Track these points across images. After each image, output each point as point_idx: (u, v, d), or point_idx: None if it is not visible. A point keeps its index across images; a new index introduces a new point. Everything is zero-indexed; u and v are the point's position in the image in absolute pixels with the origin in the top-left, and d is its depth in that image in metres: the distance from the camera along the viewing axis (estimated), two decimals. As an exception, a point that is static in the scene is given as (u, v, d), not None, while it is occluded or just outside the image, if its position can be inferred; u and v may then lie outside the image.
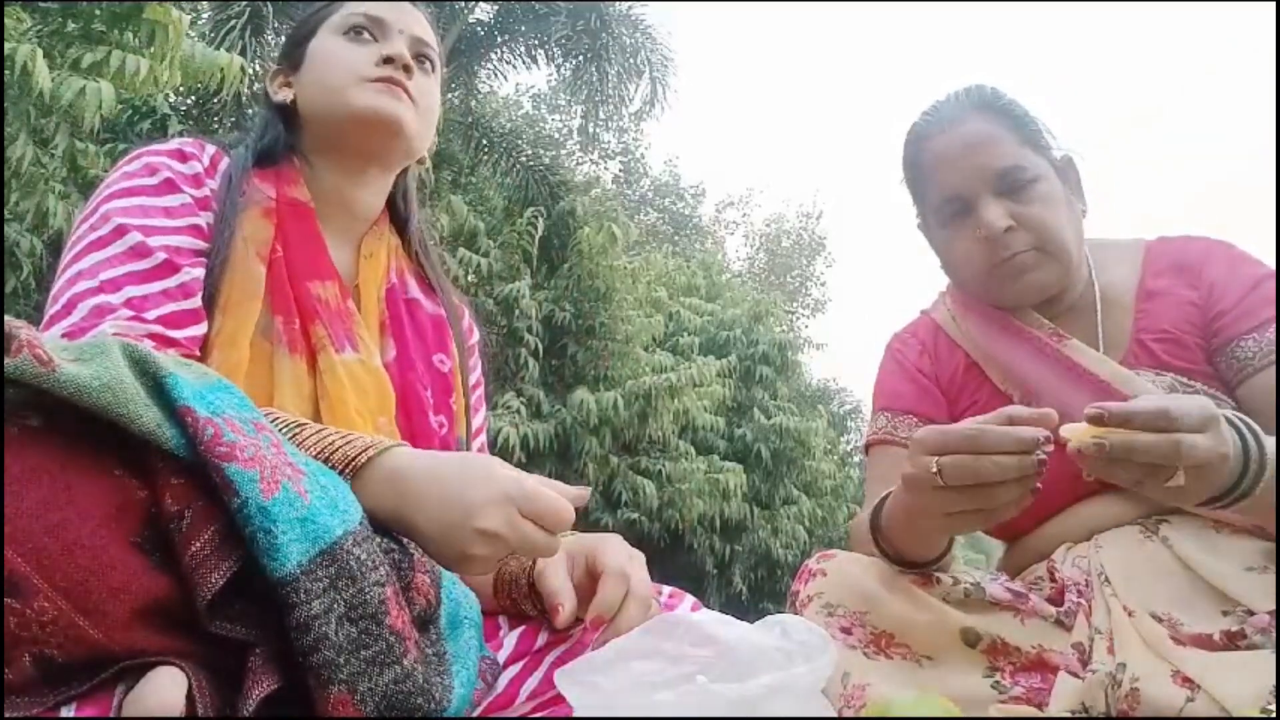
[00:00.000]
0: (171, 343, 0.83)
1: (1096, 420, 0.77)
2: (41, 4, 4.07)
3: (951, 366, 1.23)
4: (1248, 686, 0.78)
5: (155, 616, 0.51)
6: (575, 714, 0.66)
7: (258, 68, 6.85)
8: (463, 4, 9.20)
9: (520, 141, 9.19)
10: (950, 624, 0.95)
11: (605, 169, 17.20)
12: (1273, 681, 0.77)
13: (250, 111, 6.97)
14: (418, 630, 0.63)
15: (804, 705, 0.64)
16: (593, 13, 9.31)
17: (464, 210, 7.88)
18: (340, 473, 0.68)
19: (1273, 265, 1.10)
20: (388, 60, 1.02)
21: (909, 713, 0.72)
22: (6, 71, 3.42)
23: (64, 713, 0.49)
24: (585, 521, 7.42)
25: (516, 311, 7.79)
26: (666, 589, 0.95)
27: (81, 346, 0.55)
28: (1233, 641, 0.85)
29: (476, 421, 1.16)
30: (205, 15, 7.22)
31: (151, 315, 0.84)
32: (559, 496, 0.71)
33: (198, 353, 0.87)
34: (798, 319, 19.22)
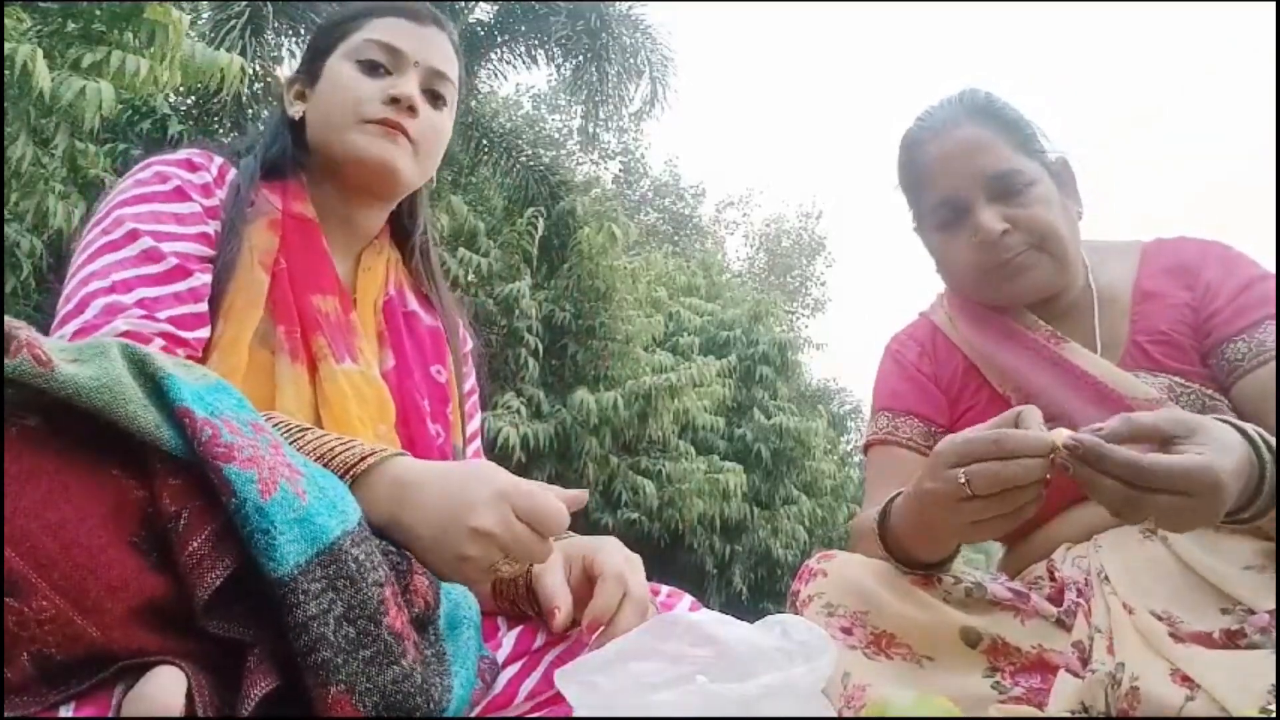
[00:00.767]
0: (181, 343, 0.85)
1: (1073, 452, 0.77)
2: (41, 4, 4.07)
3: (950, 368, 1.23)
4: (1248, 686, 0.78)
5: (153, 615, 0.51)
6: (575, 714, 0.66)
7: (258, 68, 6.85)
8: (463, 4, 9.19)
9: (520, 141, 9.18)
10: (950, 624, 0.95)
11: (605, 169, 17.21)
12: (1273, 681, 0.77)
13: (250, 112, 6.98)
14: (416, 631, 0.63)
15: (804, 705, 0.64)
16: (593, 13, 9.30)
17: (464, 210, 7.88)
18: (339, 478, 0.68)
19: (1272, 265, 1.11)
20: (394, 100, 1.01)
21: (909, 713, 0.71)
22: (6, 71, 3.42)
23: (63, 712, 0.49)
24: (585, 521, 7.42)
25: (516, 311, 7.79)
26: (665, 588, 0.95)
27: (80, 347, 0.55)
28: (1233, 641, 0.85)
29: (472, 426, 1.17)
30: (205, 15, 7.22)
31: (163, 315, 0.85)
32: (555, 499, 0.70)
33: (201, 355, 0.88)
34: (798, 319, 19.22)
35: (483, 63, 9.66)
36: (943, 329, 1.26)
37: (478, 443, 1.19)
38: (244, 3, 7.00)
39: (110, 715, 0.49)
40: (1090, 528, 1.04)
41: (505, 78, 10.72)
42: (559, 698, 0.75)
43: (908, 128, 1.22)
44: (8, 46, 3.41)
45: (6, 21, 3.59)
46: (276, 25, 7.30)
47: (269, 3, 7.12)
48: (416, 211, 1.18)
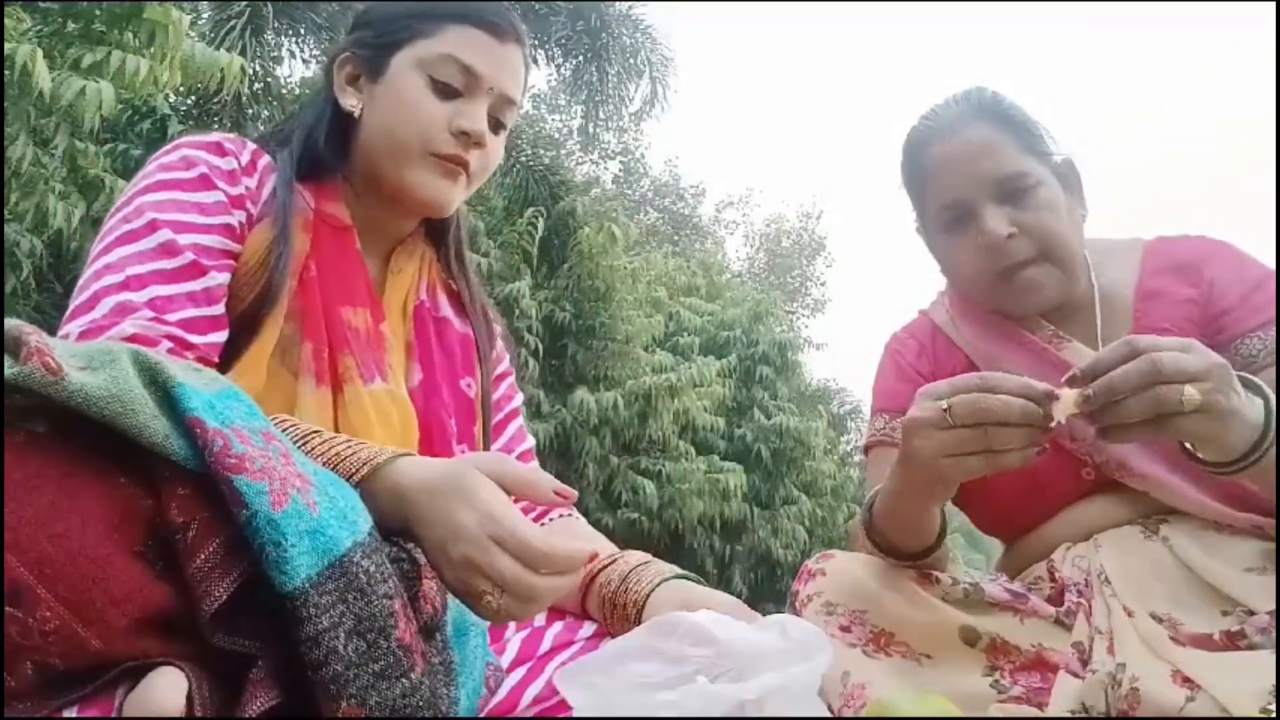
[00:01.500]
0: (189, 346, 0.82)
1: (1073, 382, 0.80)
2: (41, 4, 4.07)
3: (949, 367, 1.22)
4: (1248, 686, 0.78)
5: (156, 625, 0.51)
6: (575, 714, 0.66)
7: (258, 68, 6.85)
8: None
9: (520, 141, 9.17)
10: (950, 623, 0.95)
11: (605, 169, 17.21)
12: (1273, 681, 0.77)
13: (250, 112, 6.97)
14: (423, 638, 0.62)
15: (803, 705, 0.64)
16: (593, 13, 9.30)
17: (464, 210, 7.86)
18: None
19: (1272, 265, 1.11)
20: (463, 133, 0.95)
21: (909, 712, 0.72)
22: (6, 71, 3.42)
23: (65, 714, 0.49)
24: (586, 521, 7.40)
25: (516, 311, 7.79)
26: None
27: (91, 353, 0.55)
28: (1233, 642, 0.85)
29: (511, 405, 1.13)
30: (205, 15, 7.22)
31: (173, 318, 0.82)
32: (540, 542, 0.63)
33: (215, 359, 0.85)
34: (798, 319, 19.21)
35: (483, 63, 9.63)
36: (943, 328, 1.26)
37: (519, 433, 1.14)
38: (244, 3, 7.00)
39: (112, 716, 0.50)
40: (1090, 528, 1.04)
41: (505, 78, 10.68)
42: (564, 704, 0.74)
43: (912, 127, 1.21)
44: (8, 46, 3.41)
45: (6, 21, 3.59)
46: (276, 25, 7.30)
47: (269, 3, 7.11)
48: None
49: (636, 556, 0.93)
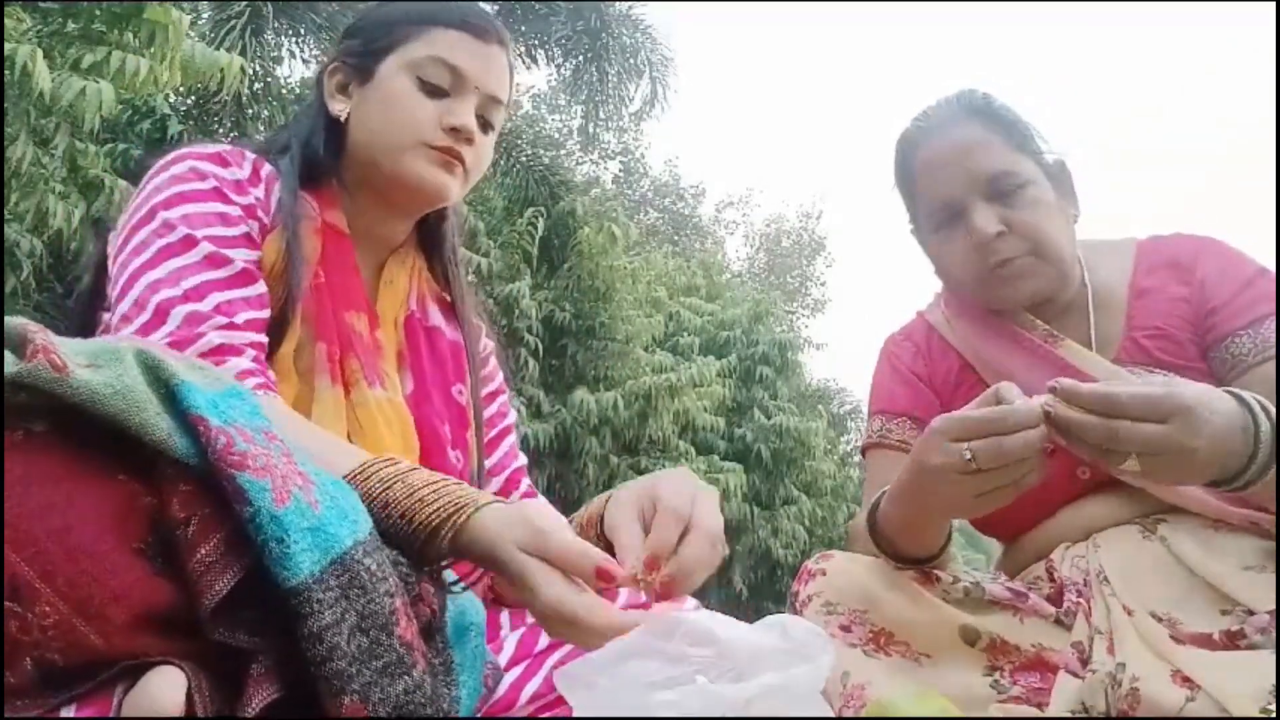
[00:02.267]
0: (263, 348, 0.84)
1: (1054, 392, 0.82)
2: (41, 4, 4.07)
3: (945, 368, 1.23)
4: (1248, 686, 0.78)
5: (156, 622, 0.51)
6: (575, 714, 0.66)
7: (257, 68, 6.85)
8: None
9: (520, 141, 9.17)
10: (949, 622, 0.95)
11: (605, 169, 17.21)
12: (1273, 681, 0.77)
13: (250, 112, 6.97)
14: (423, 638, 0.63)
15: (803, 706, 0.64)
16: (593, 13, 9.30)
17: (464, 210, 7.85)
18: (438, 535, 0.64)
19: (1272, 264, 1.11)
20: (453, 129, 0.97)
21: (909, 712, 0.72)
22: (6, 71, 3.42)
23: (64, 713, 0.49)
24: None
25: (516, 311, 7.79)
26: None
27: (95, 351, 0.55)
28: (1232, 641, 0.85)
29: (505, 422, 1.13)
30: (205, 15, 7.22)
31: (243, 324, 0.83)
32: (576, 546, 0.62)
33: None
34: (798, 319, 19.20)
35: (483, 63, 9.64)
36: (938, 329, 1.26)
37: (513, 437, 1.13)
38: (244, 3, 7.00)
39: (111, 715, 0.50)
40: (1088, 527, 1.04)
41: (505, 78, 10.69)
42: (562, 701, 0.74)
43: (904, 129, 1.22)
44: (8, 46, 3.41)
45: (6, 21, 3.59)
46: (276, 25, 7.30)
47: (269, 3, 7.12)
48: (447, 215, 1.12)
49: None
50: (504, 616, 0.90)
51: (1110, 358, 1.09)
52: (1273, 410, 0.81)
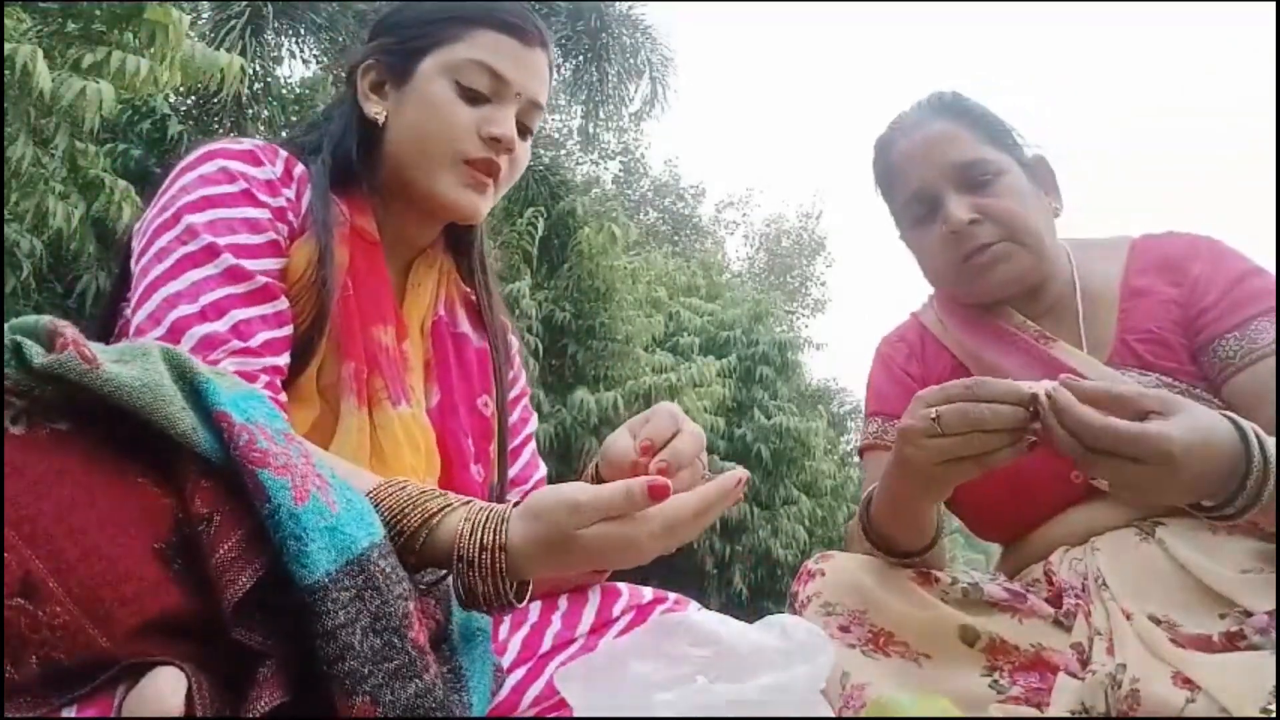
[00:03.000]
0: (279, 372, 0.81)
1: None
2: (41, 4, 4.07)
3: (939, 369, 1.23)
4: (1248, 687, 0.78)
5: (165, 627, 0.52)
6: (575, 714, 0.66)
7: (258, 68, 6.85)
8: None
9: (520, 141, 9.17)
10: (949, 622, 0.95)
11: (605, 169, 17.19)
12: (1273, 682, 0.77)
13: (250, 112, 6.98)
14: (430, 647, 0.63)
15: (803, 706, 0.64)
16: (593, 13, 9.31)
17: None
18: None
19: (1272, 264, 1.10)
20: (493, 139, 0.94)
21: (909, 713, 0.72)
22: (6, 71, 3.42)
23: (65, 713, 0.49)
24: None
25: (516, 311, 7.79)
26: (671, 595, 0.95)
27: (122, 349, 0.56)
28: (1232, 643, 0.85)
29: (527, 429, 1.12)
30: (205, 15, 7.22)
31: (259, 347, 0.80)
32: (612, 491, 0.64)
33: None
34: (798, 319, 19.20)
35: (483, 63, 9.64)
36: (931, 329, 1.26)
37: (530, 438, 1.11)
38: (244, 3, 7.00)
39: (111, 716, 0.50)
40: (1087, 530, 1.04)
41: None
42: (564, 704, 0.74)
43: (880, 134, 1.24)
44: (8, 46, 3.41)
45: (6, 21, 3.60)
46: (276, 25, 7.31)
47: (269, 3, 7.12)
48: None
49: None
50: (505, 619, 0.90)
51: (1103, 360, 1.09)
52: (1271, 446, 0.80)
